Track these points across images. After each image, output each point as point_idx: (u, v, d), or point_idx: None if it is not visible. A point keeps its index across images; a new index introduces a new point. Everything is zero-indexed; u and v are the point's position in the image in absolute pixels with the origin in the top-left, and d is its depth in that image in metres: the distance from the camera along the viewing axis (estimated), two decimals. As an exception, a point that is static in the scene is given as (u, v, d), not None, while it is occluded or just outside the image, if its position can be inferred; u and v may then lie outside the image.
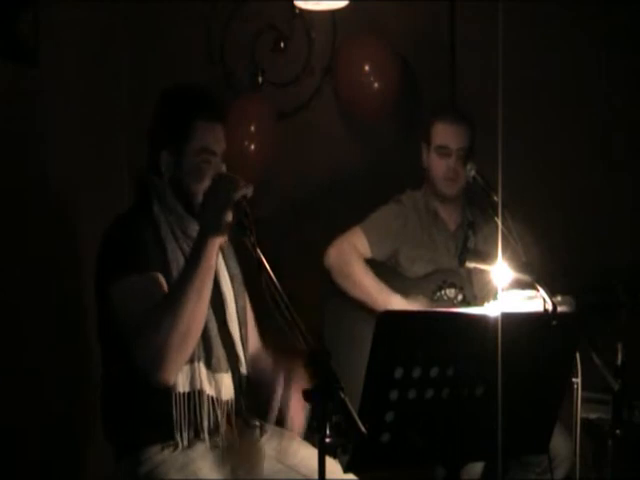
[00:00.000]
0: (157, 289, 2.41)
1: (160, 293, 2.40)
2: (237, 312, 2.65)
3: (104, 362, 2.58)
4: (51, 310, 3.46)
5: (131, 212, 2.61)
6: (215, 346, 2.51)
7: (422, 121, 3.64)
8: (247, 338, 2.68)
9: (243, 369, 2.62)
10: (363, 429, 1.91)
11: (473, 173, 3.27)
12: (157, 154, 2.55)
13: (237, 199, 2.35)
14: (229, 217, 2.34)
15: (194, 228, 2.51)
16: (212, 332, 2.51)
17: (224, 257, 2.67)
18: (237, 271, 2.70)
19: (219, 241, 2.38)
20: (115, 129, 3.99)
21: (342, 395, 1.95)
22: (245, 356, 2.64)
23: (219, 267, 2.62)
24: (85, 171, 3.70)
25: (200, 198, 2.47)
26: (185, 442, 2.44)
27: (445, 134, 3.46)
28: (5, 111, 3.32)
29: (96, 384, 2.61)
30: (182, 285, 2.35)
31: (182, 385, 2.43)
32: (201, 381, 2.46)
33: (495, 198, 3.11)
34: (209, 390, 2.48)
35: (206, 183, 2.48)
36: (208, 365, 2.49)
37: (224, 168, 2.57)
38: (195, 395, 2.45)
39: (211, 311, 2.50)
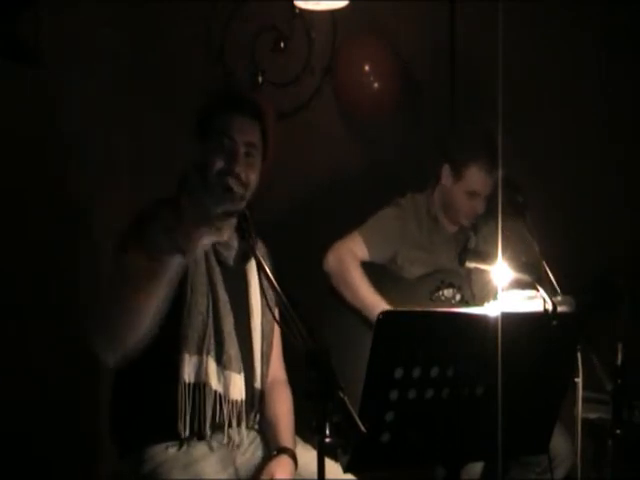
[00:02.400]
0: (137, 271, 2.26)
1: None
2: (262, 325, 2.63)
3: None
4: (51, 310, 3.46)
5: (160, 201, 2.52)
6: (228, 343, 2.50)
7: (422, 121, 3.63)
8: (269, 357, 2.65)
9: (258, 384, 2.60)
10: (363, 429, 1.91)
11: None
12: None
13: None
14: (203, 241, 2.22)
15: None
16: (226, 327, 2.50)
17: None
18: (270, 291, 2.43)
19: (182, 262, 2.23)
20: (115, 129, 3.99)
21: (342, 395, 1.95)
22: (262, 372, 2.62)
23: (250, 273, 2.62)
24: (85, 171, 3.70)
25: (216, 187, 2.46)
26: (187, 432, 2.43)
27: (480, 181, 3.38)
28: (5, 111, 3.32)
29: (96, 384, 2.61)
30: (138, 282, 2.21)
31: (188, 375, 2.44)
32: (207, 375, 2.45)
33: (520, 198, 3.11)
34: (216, 385, 2.46)
35: (221, 165, 2.46)
36: (218, 360, 2.48)
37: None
38: (200, 387, 2.45)
39: (228, 307, 2.51)
